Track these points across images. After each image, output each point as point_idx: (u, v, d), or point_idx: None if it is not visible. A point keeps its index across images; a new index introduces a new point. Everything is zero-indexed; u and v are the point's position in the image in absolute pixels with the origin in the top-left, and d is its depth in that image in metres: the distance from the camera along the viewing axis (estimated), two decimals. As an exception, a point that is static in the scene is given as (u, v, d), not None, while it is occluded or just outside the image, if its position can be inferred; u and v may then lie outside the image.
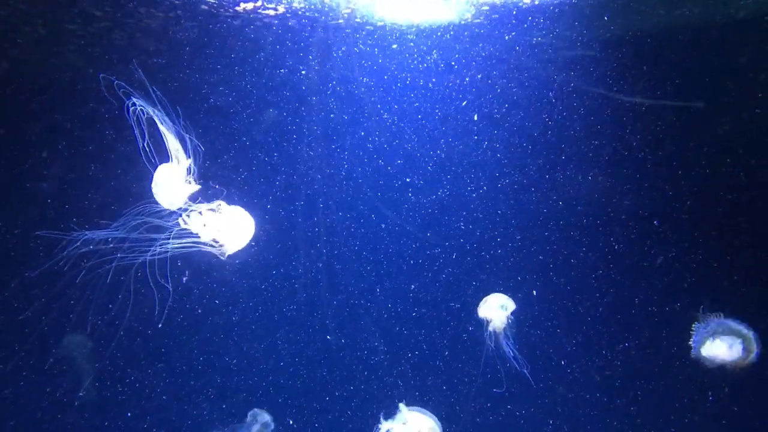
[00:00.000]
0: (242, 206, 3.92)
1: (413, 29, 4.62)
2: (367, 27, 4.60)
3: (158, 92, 3.73)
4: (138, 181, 4.24)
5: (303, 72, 4.74)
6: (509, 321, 4.62)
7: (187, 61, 4.62)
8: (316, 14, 4.55)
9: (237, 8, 4.47)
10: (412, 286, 5.06)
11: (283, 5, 4.47)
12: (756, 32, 4.68)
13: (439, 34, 4.63)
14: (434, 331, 5.10)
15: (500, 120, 4.83)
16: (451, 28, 4.61)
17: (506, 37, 4.63)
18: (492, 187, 4.93)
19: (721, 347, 4.36)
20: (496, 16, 4.58)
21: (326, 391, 5.12)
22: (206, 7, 4.44)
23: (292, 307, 5.04)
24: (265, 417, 4.92)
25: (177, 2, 4.38)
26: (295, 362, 5.09)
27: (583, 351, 5.07)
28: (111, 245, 3.89)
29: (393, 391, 5.04)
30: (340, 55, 4.70)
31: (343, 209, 4.96)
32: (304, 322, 5.06)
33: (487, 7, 4.53)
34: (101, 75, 3.98)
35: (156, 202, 3.74)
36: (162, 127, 3.69)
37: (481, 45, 4.66)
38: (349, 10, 4.52)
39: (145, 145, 3.66)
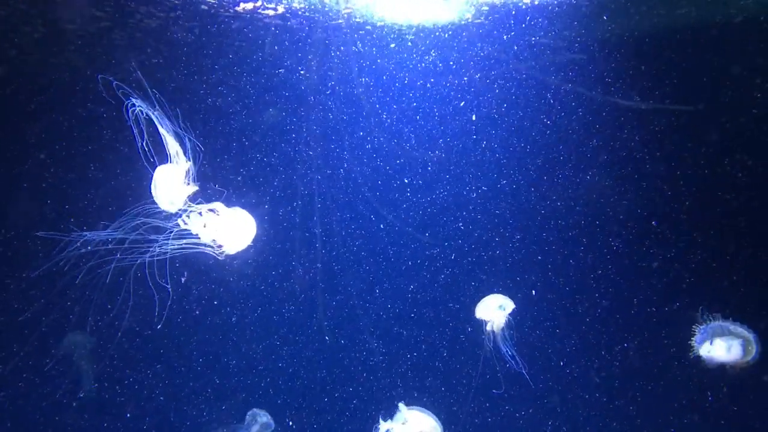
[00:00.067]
0: (241, 207, 3.92)
1: (412, 29, 4.61)
2: (366, 27, 4.60)
3: (157, 92, 3.73)
4: (137, 181, 4.24)
5: (302, 72, 4.74)
6: (508, 321, 4.61)
7: (186, 61, 4.62)
8: (316, 14, 4.55)
9: (237, 8, 4.47)
10: (411, 287, 5.06)
11: (282, 5, 4.47)
12: (756, 32, 4.67)
13: (437, 34, 4.62)
14: (433, 331, 5.09)
15: (499, 120, 4.83)
16: (449, 28, 4.61)
17: (505, 37, 4.63)
18: (491, 187, 4.93)
19: (720, 348, 4.35)
20: (496, 16, 4.57)
21: (325, 391, 5.12)
22: (206, 8, 4.44)
23: (291, 307, 5.04)
24: (264, 417, 4.92)
25: (177, 2, 4.38)
26: (294, 363, 5.09)
27: (582, 351, 5.06)
28: (110, 246, 3.89)
29: (392, 391, 5.04)
30: (339, 55, 4.70)
31: (342, 209, 4.95)
32: (303, 322, 5.06)
33: (486, 8, 4.52)
34: (100, 76, 3.98)
35: (155, 203, 3.74)
36: (161, 128, 3.69)
37: (479, 45, 4.65)
38: (349, 11, 4.52)
39: (145, 145, 3.66)
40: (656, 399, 5.05)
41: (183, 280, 4.61)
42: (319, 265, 4.98)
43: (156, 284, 3.94)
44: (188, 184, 3.69)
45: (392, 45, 4.66)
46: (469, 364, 4.99)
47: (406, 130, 4.86)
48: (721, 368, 4.47)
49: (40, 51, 4.59)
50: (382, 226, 4.99)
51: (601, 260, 4.98)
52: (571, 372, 5.06)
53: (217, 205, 3.77)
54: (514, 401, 5.01)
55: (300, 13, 4.53)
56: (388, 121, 4.84)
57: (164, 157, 3.70)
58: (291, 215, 4.92)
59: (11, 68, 4.61)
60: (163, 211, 3.72)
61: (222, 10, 4.47)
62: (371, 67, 4.73)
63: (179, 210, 3.70)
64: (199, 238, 3.74)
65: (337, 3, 4.49)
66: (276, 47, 4.66)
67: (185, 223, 3.69)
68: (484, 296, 4.71)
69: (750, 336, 4.40)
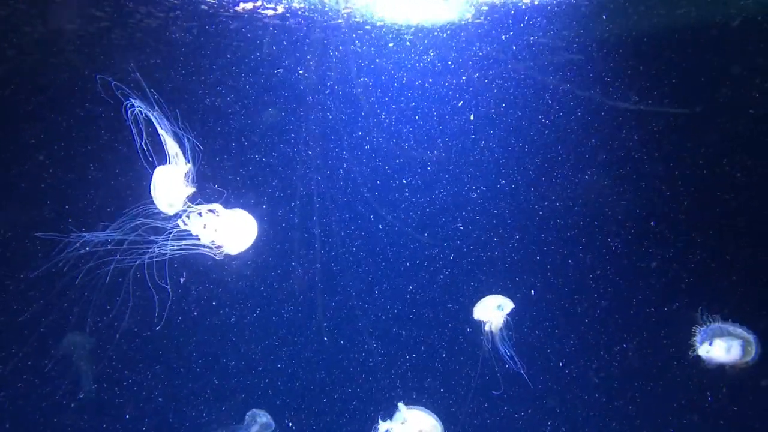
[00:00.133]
0: (240, 207, 3.92)
1: (411, 29, 4.61)
2: (366, 27, 4.60)
3: (156, 93, 3.73)
4: (136, 182, 4.24)
5: (301, 72, 4.73)
6: (507, 322, 4.61)
7: (185, 61, 4.62)
8: (315, 14, 4.54)
9: (236, 8, 4.47)
10: (410, 287, 5.06)
11: (282, 5, 4.47)
12: (755, 32, 4.67)
13: (436, 33, 4.62)
14: (432, 332, 5.09)
15: (497, 120, 4.83)
16: (448, 28, 4.61)
17: (503, 37, 4.62)
18: (490, 187, 4.93)
19: (719, 348, 4.34)
20: (494, 15, 4.57)
21: (324, 392, 5.12)
22: (205, 8, 4.44)
23: (290, 308, 5.03)
24: (264, 418, 4.92)
25: (176, 2, 4.38)
26: (293, 363, 5.09)
27: (581, 352, 5.06)
28: (109, 247, 3.89)
29: (391, 392, 5.04)
30: (338, 55, 4.70)
31: (341, 210, 4.95)
32: (303, 323, 5.06)
33: (485, 7, 4.52)
34: (99, 76, 3.98)
35: (154, 204, 3.74)
36: (160, 128, 3.69)
37: (478, 45, 4.65)
38: (348, 10, 4.52)
39: (143, 145, 3.66)
40: (656, 399, 5.05)
41: (182, 280, 4.61)
42: (318, 266, 4.98)
43: (155, 285, 3.95)
44: (187, 184, 3.69)
45: (391, 45, 4.66)
46: (468, 365, 4.98)
47: (405, 130, 4.85)
48: (721, 369, 4.47)
49: (39, 51, 4.59)
50: (381, 226, 4.98)
51: (600, 260, 4.97)
52: (570, 372, 5.06)
53: (217, 206, 3.77)
54: (513, 402, 5.01)
55: (299, 13, 4.53)
56: (387, 121, 4.83)
57: (163, 158, 3.70)
58: (290, 215, 4.92)
59: (10, 68, 4.60)
60: (162, 211, 3.72)
61: (222, 10, 4.47)
62: (370, 66, 4.73)
63: (179, 211, 3.70)
64: (198, 238, 3.74)
65: (337, 3, 4.49)
66: (275, 47, 4.65)
67: (184, 224, 3.68)
68: (483, 296, 4.71)
69: (749, 336, 4.40)
